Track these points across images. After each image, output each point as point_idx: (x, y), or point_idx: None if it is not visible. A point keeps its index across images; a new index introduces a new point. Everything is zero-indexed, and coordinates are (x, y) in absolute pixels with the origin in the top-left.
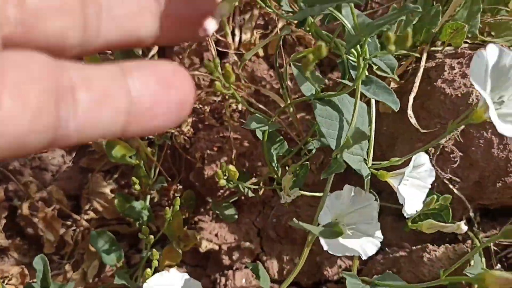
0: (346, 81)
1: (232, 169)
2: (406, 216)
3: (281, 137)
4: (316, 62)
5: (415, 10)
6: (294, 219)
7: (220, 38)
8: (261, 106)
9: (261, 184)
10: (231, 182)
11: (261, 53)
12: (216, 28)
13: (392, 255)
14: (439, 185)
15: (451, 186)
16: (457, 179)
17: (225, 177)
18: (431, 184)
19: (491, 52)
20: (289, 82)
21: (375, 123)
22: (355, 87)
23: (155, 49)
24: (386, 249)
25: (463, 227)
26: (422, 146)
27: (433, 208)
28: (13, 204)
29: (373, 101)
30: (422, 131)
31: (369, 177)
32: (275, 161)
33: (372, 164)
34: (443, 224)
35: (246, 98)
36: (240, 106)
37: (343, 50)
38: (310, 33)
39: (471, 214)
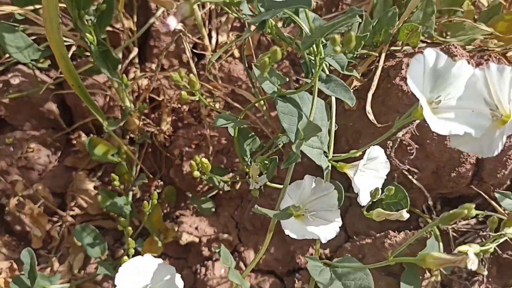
0: (307, 80)
1: (205, 162)
2: (362, 205)
3: (253, 133)
4: (273, 64)
5: (358, 12)
6: (256, 205)
7: (197, 41)
8: (236, 104)
9: (237, 178)
10: (205, 174)
11: (237, 54)
12: (176, 25)
13: (359, 243)
14: (399, 176)
15: (410, 177)
16: (416, 170)
17: (200, 170)
18: (391, 175)
19: (429, 56)
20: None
21: (343, 119)
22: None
23: (135, 52)
24: (354, 237)
25: (405, 214)
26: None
27: (392, 197)
28: (1, 203)
29: (333, 98)
30: (379, 125)
31: (329, 168)
32: (249, 156)
33: (333, 156)
34: (388, 212)
35: (223, 98)
36: (218, 105)
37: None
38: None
39: (430, 202)
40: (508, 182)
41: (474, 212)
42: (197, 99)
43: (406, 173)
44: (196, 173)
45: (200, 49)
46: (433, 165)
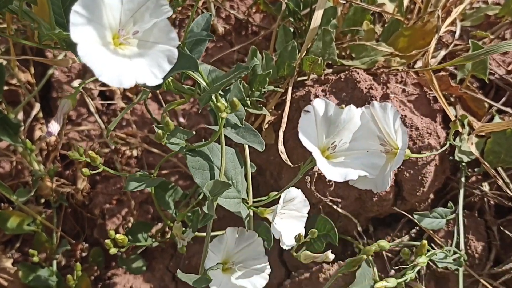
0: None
1: (119, 238)
2: (285, 248)
3: (173, 184)
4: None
5: (245, 69)
6: (179, 270)
7: (101, 88)
8: (155, 150)
9: (166, 229)
10: (123, 247)
11: (150, 94)
12: (59, 128)
13: (298, 278)
14: (325, 207)
15: (334, 206)
16: (339, 200)
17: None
18: (317, 208)
19: (318, 106)
20: (182, 119)
21: (264, 154)
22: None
23: (37, 107)
24: (293, 273)
25: (330, 256)
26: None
27: (320, 229)
28: None
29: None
30: (291, 165)
31: (250, 215)
32: (173, 208)
33: (253, 202)
34: (315, 255)
35: (140, 144)
36: (135, 152)
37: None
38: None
39: (359, 228)
40: (432, 196)
41: (387, 246)
42: (100, 170)
43: (331, 203)
44: (113, 250)
45: (109, 93)
46: (355, 192)
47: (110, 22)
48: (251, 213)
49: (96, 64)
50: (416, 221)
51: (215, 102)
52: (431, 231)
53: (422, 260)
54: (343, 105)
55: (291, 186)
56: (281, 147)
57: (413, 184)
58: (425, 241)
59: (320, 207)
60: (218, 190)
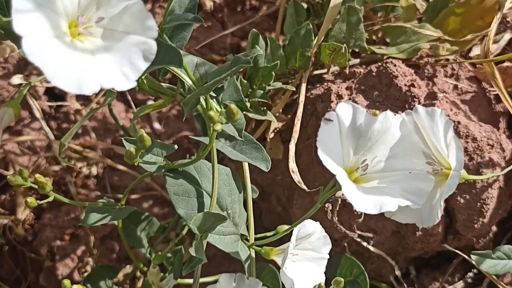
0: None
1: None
2: None
3: (147, 214)
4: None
5: (245, 63)
6: None
7: (48, 85)
8: (121, 166)
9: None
10: None
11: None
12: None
13: None
14: (351, 244)
15: (364, 244)
16: (371, 234)
17: None
18: (341, 246)
19: (343, 114)
20: (157, 125)
21: (269, 172)
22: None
23: None
24: None
25: None
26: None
27: (346, 274)
28: None
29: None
30: (306, 189)
31: (250, 259)
32: (146, 246)
33: (255, 239)
34: None
35: (101, 158)
36: (95, 169)
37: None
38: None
39: (398, 272)
40: (495, 229)
41: None
42: (50, 199)
43: (359, 239)
44: None
45: (59, 91)
46: (392, 224)
47: (66, 7)
48: (253, 254)
49: (47, 63)
50: (473, 262)
51: (205, 107)
52: (493, 276)
53: None
54: (377, 111)
55: (307, 218)
56: (292, 164)
57: (470, 213)
58: None
59: (345, 244)
60: (209, 224)
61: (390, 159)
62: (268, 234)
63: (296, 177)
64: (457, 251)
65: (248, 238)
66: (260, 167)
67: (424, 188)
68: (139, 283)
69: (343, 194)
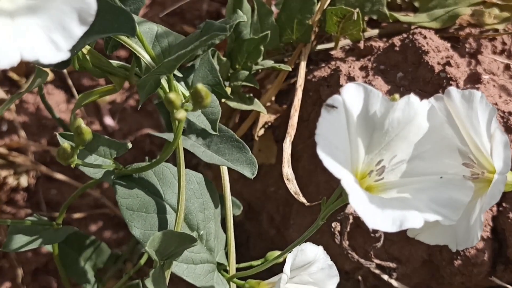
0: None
1: None
2: None
3: (94, 237)
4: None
5: (221, 31)
6: None
7: None
8: (61, 176)
9: None
10: None
11: (51, 76)
12: None
13: None
14: (368, 278)
15: (385, 277)
16: (393, 265)
17: None
18: (355, 278)
19: (349, 99)
20: (109, 120)
21: (259, 182)
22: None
23: None
24: None
25: None
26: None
27: None
28: None
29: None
30: (306, 203)
31: None
32: (92, 280)
33: (237, 269)
34: None
35: (33, 165)
36: (25, 180)
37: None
38: None
39: None
40: None
41: None
42: None
43: (378, 271)
44: None
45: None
46: (422, 251)
47: None
48: None
49: None
50: None
51: (166, 90)
52: None
53: None
54: (397, 95)
55: (305, 240)
56: (287, 169)
57: None
58: None
59: (360, 278)
60: (172, 248)
61: (414, 159)
62: (254, 263)
63: (292, 186)
64: (509, 287)
65: (228, 268)
66: (243, 173)
67: (460, 198)
68: None
69: (355, 210)
